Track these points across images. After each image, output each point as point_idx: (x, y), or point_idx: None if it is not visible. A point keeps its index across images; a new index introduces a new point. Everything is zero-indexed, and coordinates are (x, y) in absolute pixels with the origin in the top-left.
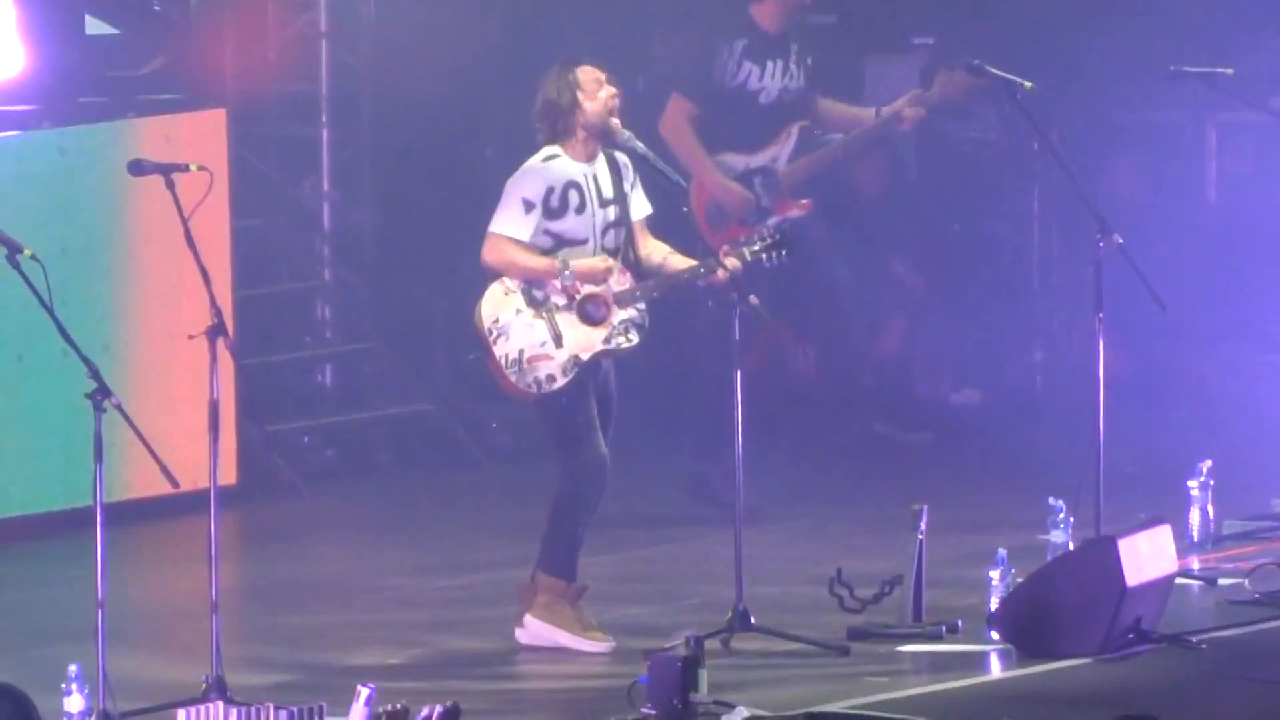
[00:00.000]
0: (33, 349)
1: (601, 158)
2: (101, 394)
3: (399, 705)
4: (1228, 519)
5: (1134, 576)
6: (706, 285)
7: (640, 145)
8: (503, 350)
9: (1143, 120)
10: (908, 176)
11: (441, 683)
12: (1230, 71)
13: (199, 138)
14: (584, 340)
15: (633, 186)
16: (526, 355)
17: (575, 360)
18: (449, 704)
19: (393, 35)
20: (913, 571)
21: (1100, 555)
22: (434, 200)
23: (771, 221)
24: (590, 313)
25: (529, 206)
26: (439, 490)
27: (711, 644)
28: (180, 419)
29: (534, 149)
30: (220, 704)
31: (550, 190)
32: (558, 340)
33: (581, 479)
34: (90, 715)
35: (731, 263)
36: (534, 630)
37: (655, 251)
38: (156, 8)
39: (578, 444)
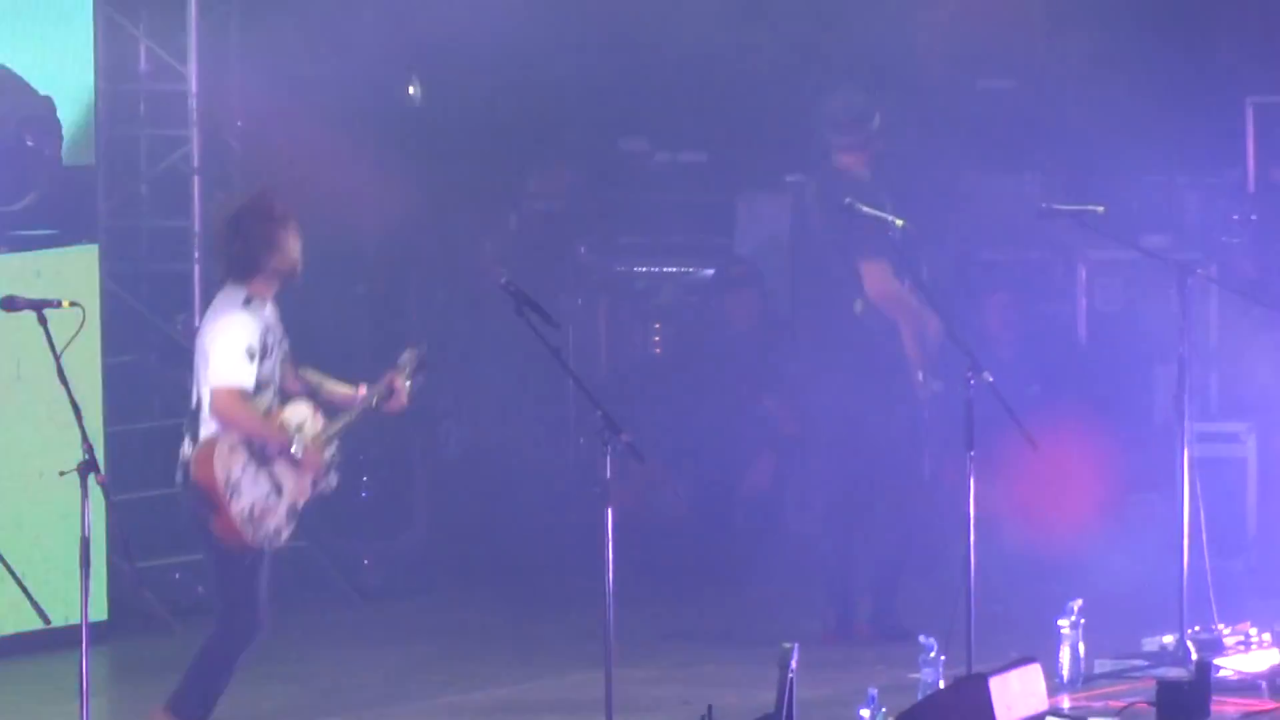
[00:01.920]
0: None
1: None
2: None
3: None
4: (1098, 658)
5: (1005, 715)
6: (391, 411)
7: (517, 286)
8: (238, 507)
9: (1013, 258)
10: (780, 315)
11: None
12: (1101, 209)
13: (71, 273)
14: (299, 487)
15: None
16: (257, 510)
17: (293, 509)
18: None
19: (263, 171)
20: (783, 710)
21: (971, 694)
22: (303, 337)
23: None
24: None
25: (251, 355)
26: (310, 628)
27: None
28: (51, 554)
29: (402, 286)
30: None
31: (262, 335)
32: (279, 490)
33: (236, 638)
34: None
35: (400, 394)
36: None
37: (310, 378)
38: (29, 143)
39: (244, 605)
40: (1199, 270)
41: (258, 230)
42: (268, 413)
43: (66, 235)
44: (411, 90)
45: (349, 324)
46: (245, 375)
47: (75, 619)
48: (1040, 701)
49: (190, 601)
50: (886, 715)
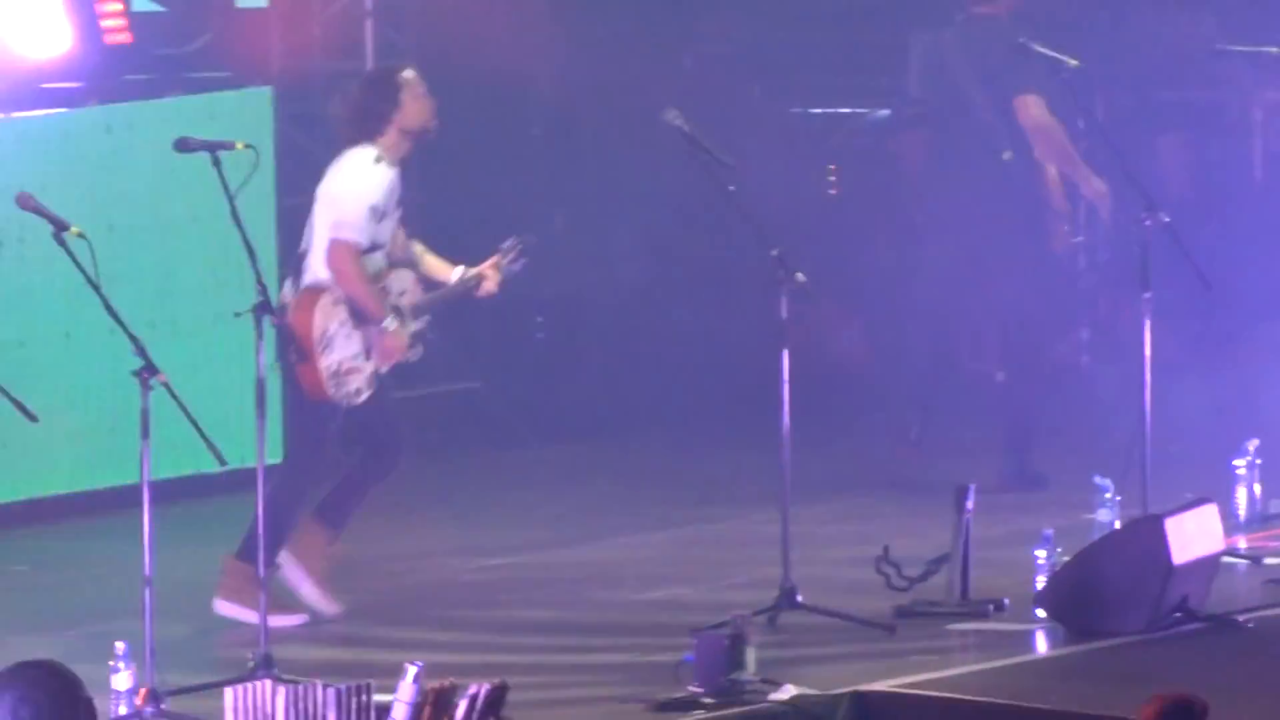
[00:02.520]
0: (79, 326)
1: None
2: (148, 371)
3: (446, 683)
4: (1274, 498)
5: (1180, 555)
6: (482, 295)
7: (686, 125)
8: (326, 361)
9: (1188, 99)
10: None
11: (489, 659)
12: (1276, 50)
13: (245, 115)
14: (385, 353)
15: None
16: (344, 368)
17: (376, 374)
18: (496, 682)
19: (438, 12)
20: (959, 550)
21: (1147, 534)
22: (480, 177)
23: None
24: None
25: (374, 213)
26: (486, 469)
27: (758, 621)
28: (227, 396)
29: (579, 128)
30: (268, 682)
31: (384, 197)
32: (368, 353)
33: (301, 479)
34: (138, 692)
35: (490, 281)
36: (224, 611)
37: (414, 250)
38: None
39: (312, 450)
40: None
41: (383, 90)
42: (377, 274)
43: (240, 77)
44: None
45: (525, 166)
46: (363, 232)
47: (251, 461)
48: (1216, 542)
49: None
50: (1061, 555)
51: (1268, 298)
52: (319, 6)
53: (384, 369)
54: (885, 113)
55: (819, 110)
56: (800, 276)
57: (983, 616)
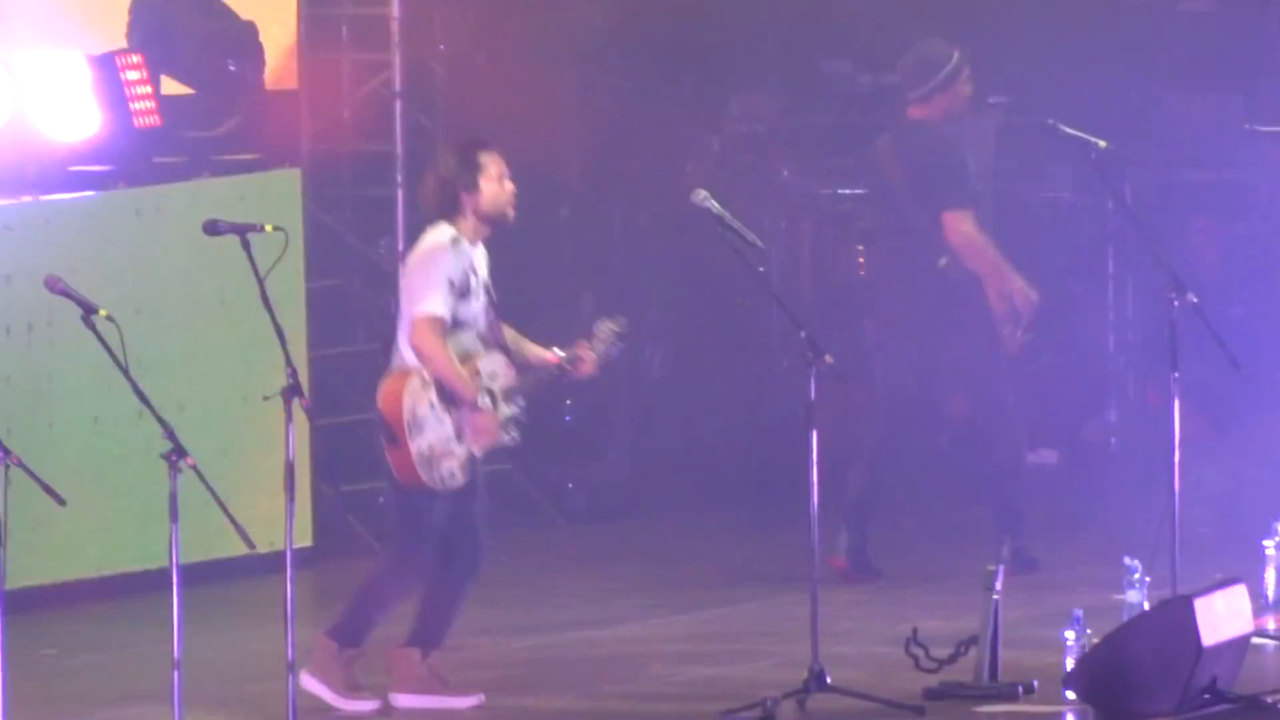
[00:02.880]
0: (108, 409)
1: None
2: (177, 455)
3: None
4: None
5: (1210, 636)
6: (578, 376)
7: (716, 205)
8: (417, 445)
9: (1217, 179)
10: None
11: None
12: None
13: (274, 198)
14: (477, 437)
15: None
16: (436, 451)
17: (471, 457)
18: None
19: (467, 95)
20: (988, 631)
21: (1176, 615)
22: (509, 258)
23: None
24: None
25: (451, 286)
26: (515, 551)
27: (787, 704)
28: (256, 480)
29: (607, 209)
30: None
31: (463, 272)
32: (459, 436)
33: (403, 572)
34: None
35: (587, 363)
36: (306, 684)
37: (506, 335)
38: (232, 68)
39: (417, 540)
40: None
41: (459, 169)
42: (465, 355)
43: (269, 160)
44: None
45: (553, 247)
46: (443, 305)
47: (280, 544)
48: (1246, 622)
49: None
50: (1091, 636)
51: None
52: (348, 89)
53: (478, 453)
54: None
55: (847, 191)
56: (829, 358)
57: (1012, 698)
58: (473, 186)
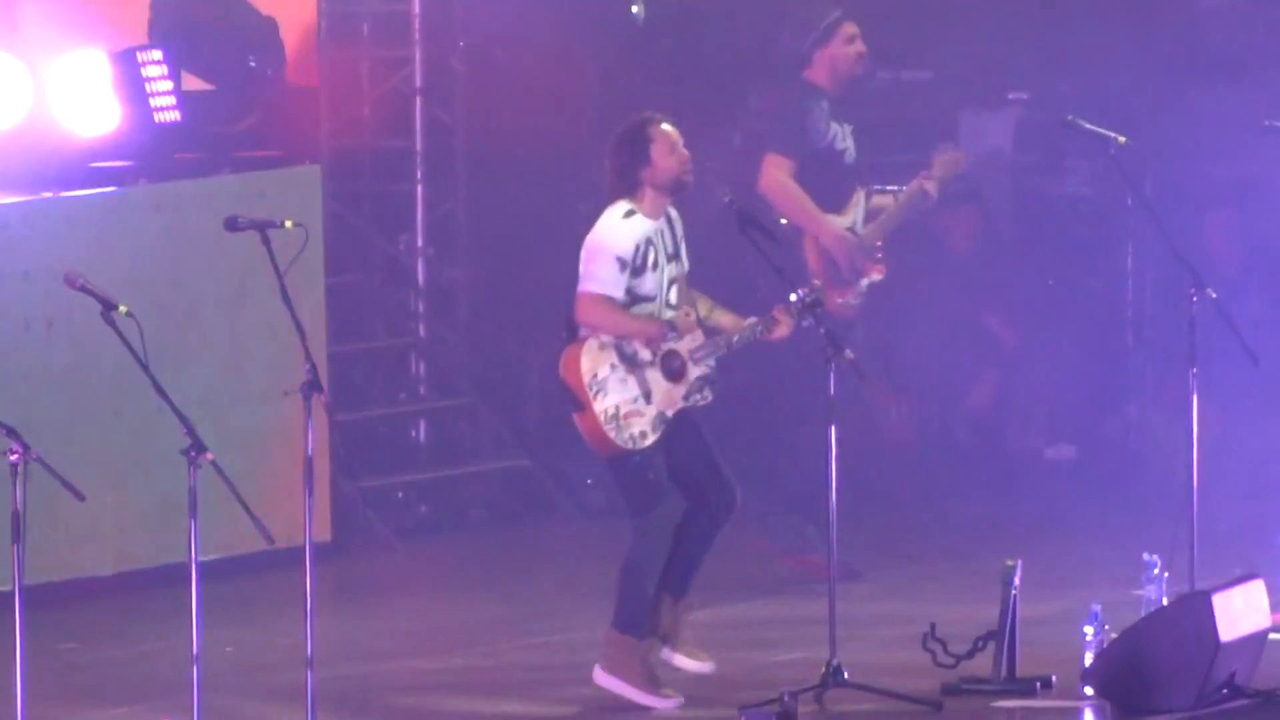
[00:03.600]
0: (128, 405)
1: (665, 213)
2: (196, 450)
3: None
4: None
5: (1228, 632)
6: (768, 340)
7: (738, 202)
8: (602, 405)
9: (1237, 174)
10: (1000, 231)
11: None
12: None
13: (294, 194)
14: (668, 397)
15: (682, 240)
16: (623, 411)
17: (662, 417)
18: None
19: (486, 91)
20: (1006, 627)
21: (1194, 611)
22: (528, 255)
23: (816, 283)
24: (673, 369)
25: (622, 265)
26: (533, 546)
27: (805, 699)
28: (275, 475)
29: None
30: None
31: (638, 248)
32: (647, 396)
33: (651, 535)
34: None
35: (782, 326)
36: (603, 683)
37: (700, 304)
38: (252, 64)
39: (650, 499)
40: None
41: (631, 147)
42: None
43: (289, 156)
44: (635, 9)
45: (574, 242)
46: (611, 284)
47: (298, 540)
48: (1264, 618)
49: (412, 521)
50: (1109, 631)
51: None
52: (368, 86)
53: (670, 412)
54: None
55: (875, 186)
56: (849, 354)
57: (1030, 694)
58: (646, 160)
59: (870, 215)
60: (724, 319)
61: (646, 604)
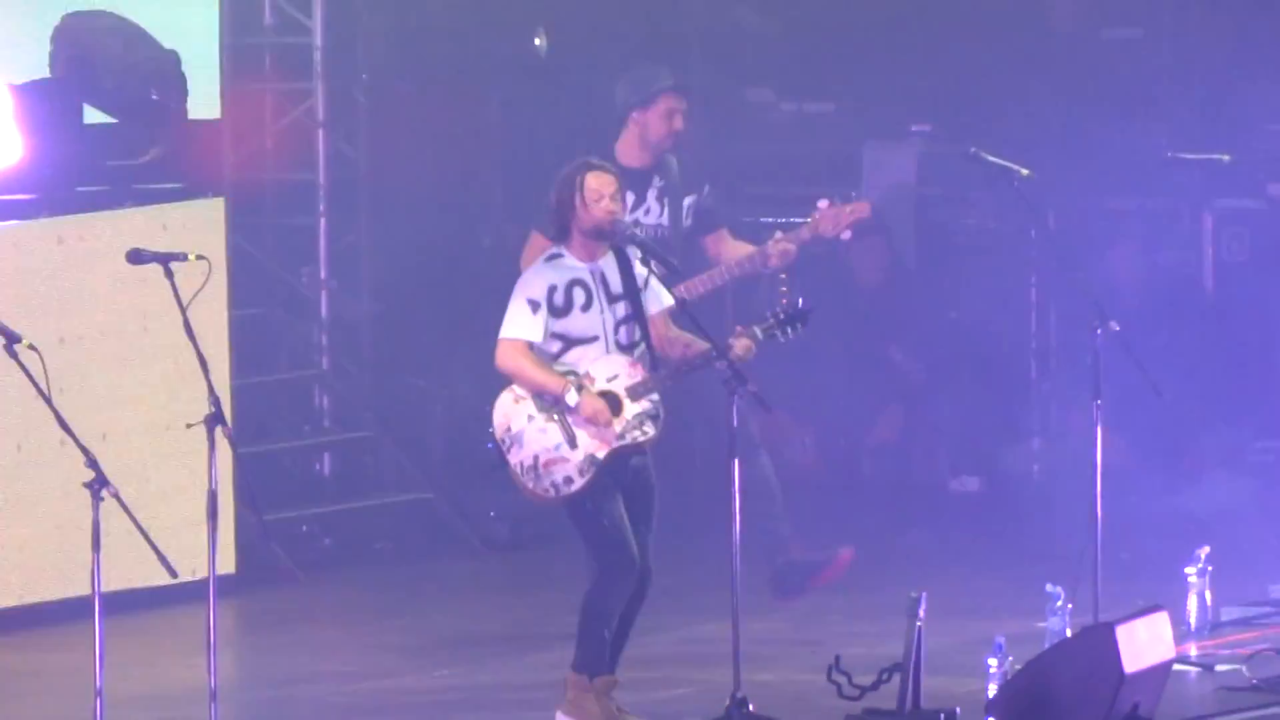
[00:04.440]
0: (31, 438)
1: (611, 254)
2: (99, 483)
3: None
4: (1226, 605)
5: (1132, 664)
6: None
7: (640, 231)
8: (517, 458)
9: (1140, 207)
10: (905, 264)
11: None
12: (1227, 158)
13: (197, 226)
14: (598, 438)
15: (647, 281)
16: (542, 460)
17: (591, 459)
18: None
19: (389, 124)
20: (911, 658)
21: (1098, 642)
22: (431, 288)
23: (786, 301)
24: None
25: (534, 306)
26: (438, 579)
27: None
28: (178, 508)
29: (528, 236)
30: None
31: (553, 289)
32: (571, 441)
33: (607, 579)
34: None
35: (744, 343)
36: None
37: (675, 343)
38: (154, 97)
39: (605, 545)
40: None
41: (560, 192)
42: (570, 369)
43: (192, 189)
44: (537, 41)
45: (475, 275)
46: (525, 328)
47: (202, 573)
48: (1168, 649)
49: (317, 554)
50: (1013, 663)
51: (1218, 406)
52: (270, 118)
53: (603, 453)
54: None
55: (770, 220)
56: (752, 386)
57: None
58: (570, 207)
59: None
60: (691, 347)
61: (604, 644)
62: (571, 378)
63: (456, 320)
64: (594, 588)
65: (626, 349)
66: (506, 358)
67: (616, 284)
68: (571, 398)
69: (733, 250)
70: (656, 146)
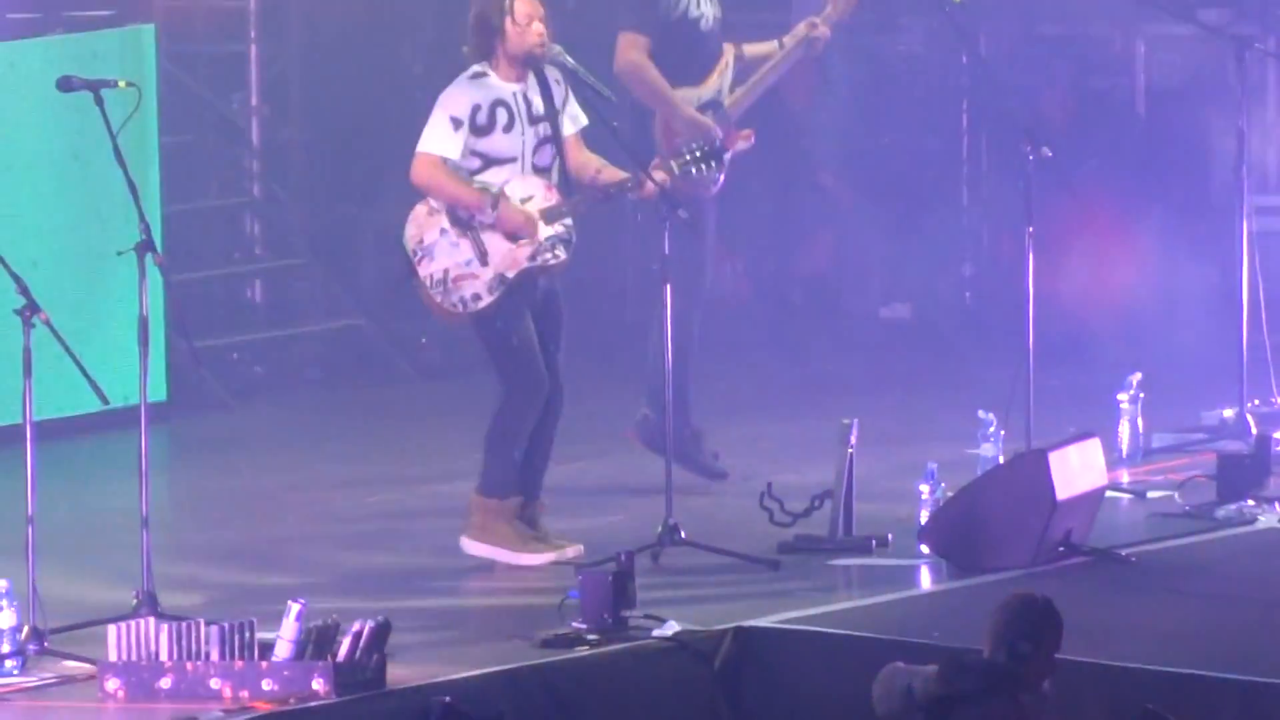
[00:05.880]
0: None
1: (532, 76)
2: (30, 310)
3: (329, 620)
4: (1157, 432)
5: (1064, 490)
6: (636, 199)
7: (569, 60)
8: (427, 270)
9: (1071, 33)
10: (835, 90)
11: (373, 599)
12: None
13: (128, 53)
14: (509, 258)
15: (565, 103)
16: (451, 275)
17: (501, 278)
18: (379, 619)
19: None
20: (843, 485)
21: (1030, 469)
22: (363, 115)
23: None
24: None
25: (456, 124)
26: (369, 406)
27: (641, 558)
28: (110, 335)
29: (461, 63)
30: (151, 619)
31: (477, 108)
32: (483, 258)
33: (516, 399)
34: (21, 631)
35: (660, 175)
36: (472, 551)
37: (588, 166)
38: None
39: (513, 365)
40: (1257, 44)
41: (488, 14)
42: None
43: (123, 15)
44: None
45: (409, 100)
46: (443, 144)
47: (134, 399)
48: (1100, 476)
49: (248, 381)
50: (945, 490)
51: (1151, 234)
52: None
53: (513, 273)
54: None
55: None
56: (682, 213)
57: (866, 552)
58: (499, 30)
59: (750, 68)
60: (610, 178)
61: (513, 467)
62: (488, 193)
63: (388, 147)
64: (501, 408)
65: (543, 171)
66: (423, 171)
67: (538, 105)
68: (489, 214)
69: (751, 49)
70: None
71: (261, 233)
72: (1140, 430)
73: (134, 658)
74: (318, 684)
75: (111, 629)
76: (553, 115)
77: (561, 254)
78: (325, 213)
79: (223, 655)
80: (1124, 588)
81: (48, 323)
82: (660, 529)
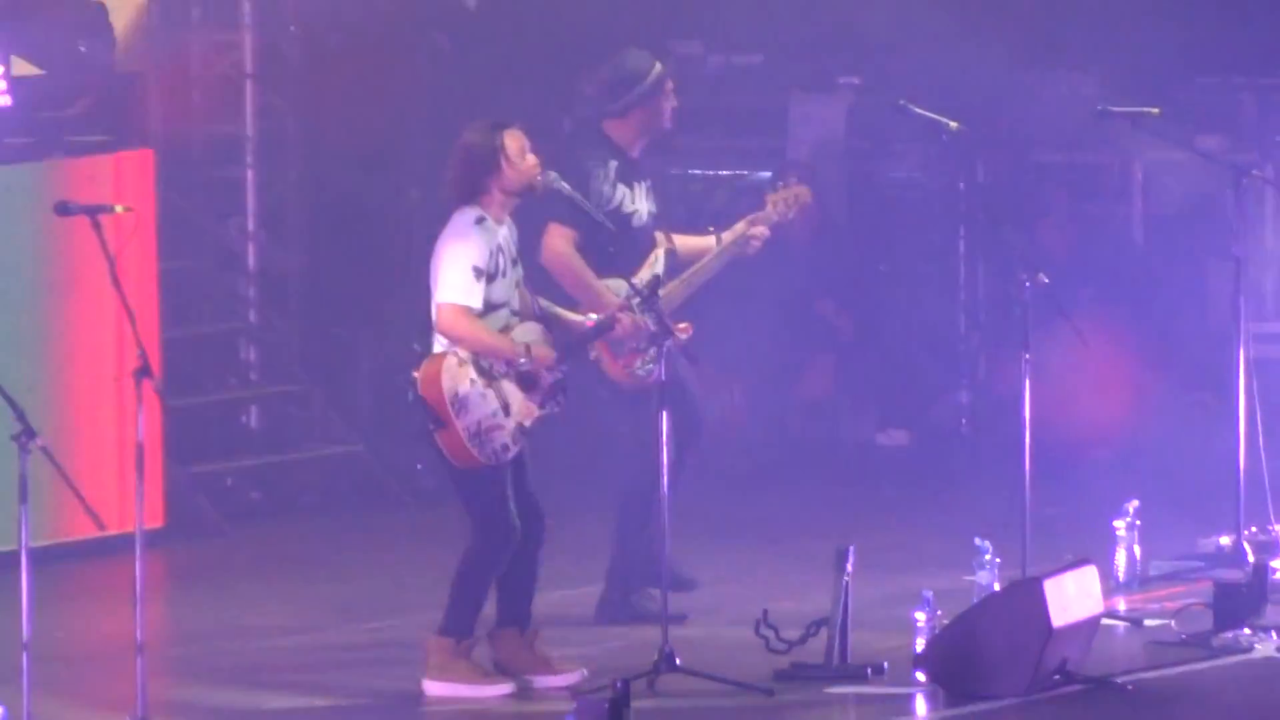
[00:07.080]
0: None
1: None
2: (27, 435)
3: None
4: (1154, 559)
5: (1060, 618)
6: (614, 338)
7: (565, 186)
8: (464, 423)
9: (1069, 160)
10: (834, 217)
11: None
12: (1157, 111)
13: (125, 178)
14: (525, 407)
15: (516, 243)
16: (485, 426)
17: (520, 428)
18: None
19: (317, 76)
20: (839, 612)
21: (1026, 596)
22: (359, 241)
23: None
24: (527, 378)
25: (479, 274)
26: (364, 532)
27: (637, 685)
28: (106, 461)
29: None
30: None
31: (491, 255)
32: (505, 409)
33: (487, 548)
34: None
35: (629, 319)
36: (434, 692)
37: (540, 301)
38: (82, 49)
39: (487, 514)
40: (1254, 172)
41: (480, 153)
42: (504, 330)
43: (120, 141)
44: None
45: (405, 227)
46: (471, 294)
47: (130, 525)
48: (1096, 604)
49: (244, 507)
50: (941, 617)
51: (1146, 360)
52: (198, 70)
53: (528, 422)
54: (766, 175)
55: (699, 172)
56: (681, 337)
57: (861, 680)
58: (494, 167)
59: (684, 262)
60: (567, 318)
61: (476, 610)
62: (517, 341)
63: (384, 273)
64: (475, 552)
65: (517, 313)
66: (455, 321)
67: (512, 249)
68: (526, 361)
69: (685, 242)
70: (657, 133)
71: (257, 359)
72: (1137, 557)
73: None
74: None
75: None
76: (518, 257)
77: (562, 400)
78: (321, 338)
79: None
80: (1120, 716)
81: (44, 448)
82: (657, 656)
